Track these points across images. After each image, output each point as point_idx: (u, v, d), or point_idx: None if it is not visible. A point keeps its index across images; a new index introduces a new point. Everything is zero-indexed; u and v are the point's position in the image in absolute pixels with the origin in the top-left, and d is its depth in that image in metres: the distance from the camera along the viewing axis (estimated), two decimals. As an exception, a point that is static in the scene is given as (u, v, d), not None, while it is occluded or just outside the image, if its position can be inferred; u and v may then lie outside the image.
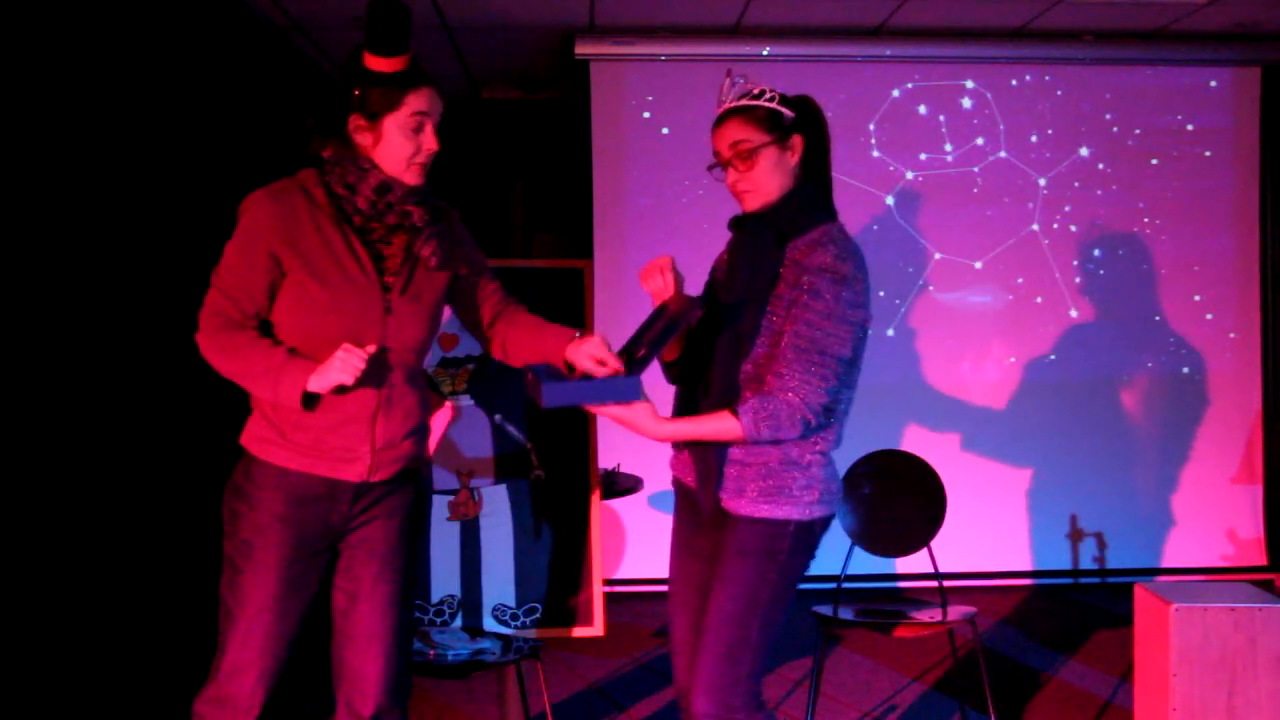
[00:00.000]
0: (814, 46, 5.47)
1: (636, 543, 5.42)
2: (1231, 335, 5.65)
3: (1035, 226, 5.62)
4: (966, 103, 5.61)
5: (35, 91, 3.08)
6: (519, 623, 3.21)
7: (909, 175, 5.58)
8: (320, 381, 2.14)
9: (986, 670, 3.50)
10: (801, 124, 2.34)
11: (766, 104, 2.31)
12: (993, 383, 5.62)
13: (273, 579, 2.21)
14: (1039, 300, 5.62)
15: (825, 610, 3.43)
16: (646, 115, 5.55)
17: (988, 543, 5.49)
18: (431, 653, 2.96)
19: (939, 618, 3.39)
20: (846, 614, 3.44)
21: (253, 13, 4.88)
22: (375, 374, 2.20)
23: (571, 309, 3.34)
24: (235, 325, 2.20)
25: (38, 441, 3.04)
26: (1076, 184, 5.62)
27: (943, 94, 5.60)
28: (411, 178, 2.22)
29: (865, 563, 3.98)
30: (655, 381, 2.40)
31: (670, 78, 5.54)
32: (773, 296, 2.27)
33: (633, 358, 2.24)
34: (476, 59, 5.91)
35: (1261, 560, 5.62)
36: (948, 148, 5.59)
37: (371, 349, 2.14)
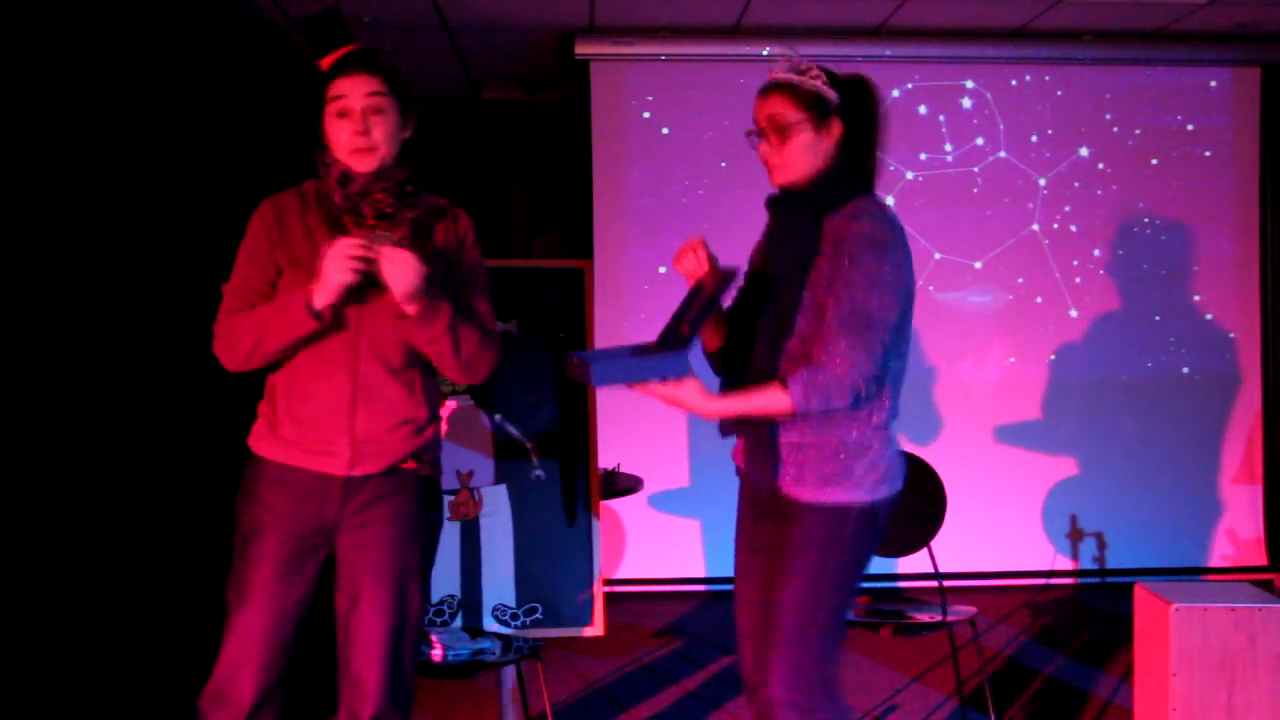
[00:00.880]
0: (814, 46, 5.44)
1: (636, 543, 5.42)
2: (1231, 335, 5.65)
3: (1035, 226, 5.62)
4: (966, 103, 5.61)
5: (36, 93, 3.08)
6: (519, 623, 3.21)
7: (909, 175, 5.58)
8: (323, 292, 2.14)
9: (986, 670, 3.50)
10: (846, 109, 2.30)
11: (811, 82, 2.28)
12: (993, 383, 5.62)
13: (267, 573, 2.24)
14: (1039, 300, 5.62)
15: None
16: (646, 115, 5.55)
17: (988, 543, 5.49)
18: (434, 652, 2.96)
19: (939, 618, 3.39)
20: (847, 614, 3.43)
21: (253, 13, 4.88)
22: (398, 270, 2.12)
23: (571, 309, 3.34)
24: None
25: (39, 443, 3.04)
26: (1076, 184, 5.62)
27: (943, 94, 5.60)
28: (359, 165, 2.22)
29: (865, 563, 3.98)
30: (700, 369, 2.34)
31: (670, 78, 5.54)
32: (812, 272, 2.23)
33: (676, 336, 2.21)
34: (476, 59, 5.91)
35: (1261, 560, 5.61)
36: (948, 148, 5.59)
37: (360, 239, 2.13)
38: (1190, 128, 5.65)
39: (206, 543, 3.07)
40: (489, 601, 3.22)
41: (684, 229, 5.45)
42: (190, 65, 4.07)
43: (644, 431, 5.13)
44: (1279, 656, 3.07)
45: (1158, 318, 5.64)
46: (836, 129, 2.29)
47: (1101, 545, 5.59)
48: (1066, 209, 5.62)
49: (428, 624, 3.17)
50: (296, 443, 2.26)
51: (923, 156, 5.58)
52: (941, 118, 5.59)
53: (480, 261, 2.40)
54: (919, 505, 3.61)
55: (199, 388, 3.64)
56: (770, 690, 2.24)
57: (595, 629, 3.25)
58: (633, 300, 5.49)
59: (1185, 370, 5.64)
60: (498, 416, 3.26)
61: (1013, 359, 5.64)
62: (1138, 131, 5.63)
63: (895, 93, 5.56)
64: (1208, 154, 5.66)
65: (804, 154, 2.28)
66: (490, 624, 3.20)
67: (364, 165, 2.22)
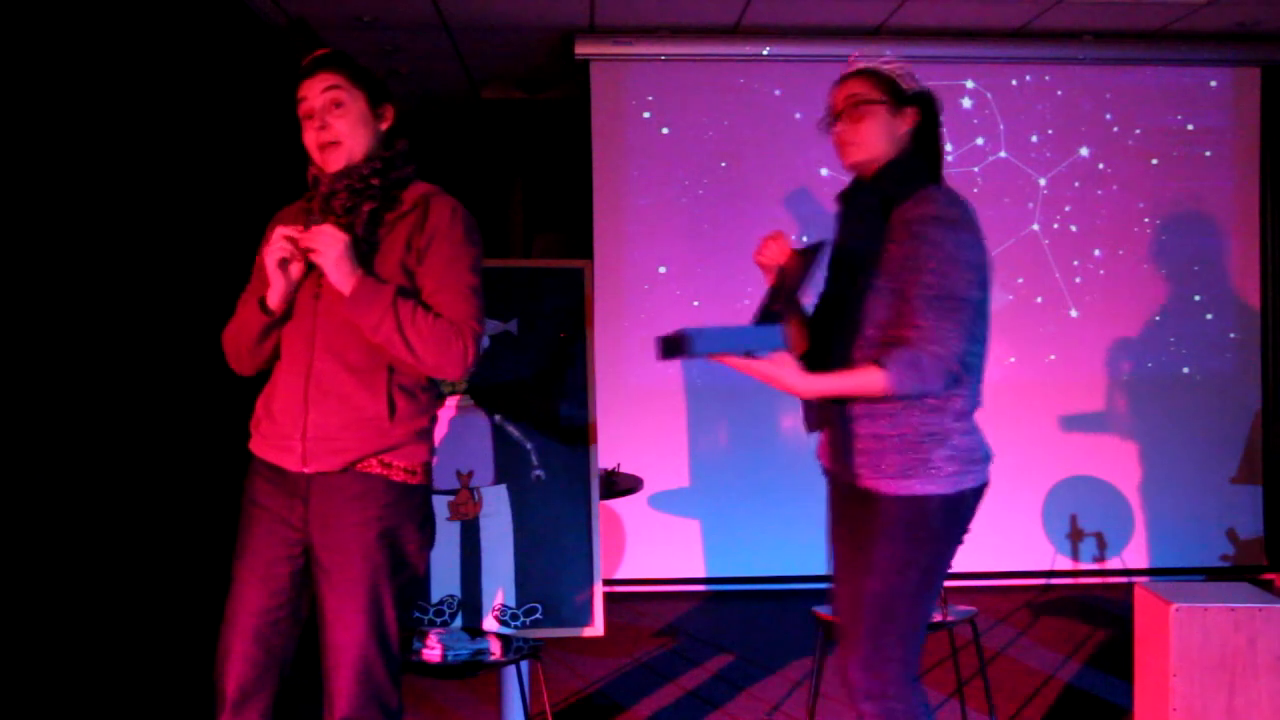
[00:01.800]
0: (814, 46, 5.47)
1: (636, 543, 5.42)
2: (1231, 335, 5.65)
3: (1035, 226, 5.62)
4: (966, 103, 5.61)
5: (36, 94, 3.08)
6: (519, 623, 3.21)
7: (909, 175, 5.57)
8: (274, 288, 2.21)
9: (986, 670, 3.50)
10: (920, 99, 2.38)
11: (889, 66, 2.36)
12: (993, 383, 5.60)
13: (246, 563, 2.26)
14: (1039, 300, 5.62)
15: (826, 610, 3.42)
16: (646, 115, 5.55)
17: (987, 543, 5.49)
18: (433, 652, 2.96)
19: (939, 618, 3.38)
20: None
21: (253, 14, 4.88)
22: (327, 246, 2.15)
23: (571, 309, 3.34)
24: None
25: (41, 444, 3.04)
26: (1076, 184, 5.62)
27: (943, 94, 5.58)
28: (328, 164, 2.26)
29: (865, 563, 3.98)
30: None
31: (670, 78, 5.54)
32: (885, 259, 2.25)
33: (770, 314, 2.21)
34: (476, 59, 5.91)
35: (1261, 560, 5.62)
36: (948, 148, 5.58)
37: (291, 232, 2.18)
38: (1190, 128, 5.65)
39: (207, 543, 3.07)
40: (489, 601, 3.22)
41: (684, 229, 5.46)
42: (190, 66, 4.07)
43: (644, 431, 5.17)
44: (1279, 656, 3.07)
45: (1158, 318, 5.64)
46: (911, 117, 2.37)
47: (1101, 545, 5.59)
48: (1066, 209, 5.62)
49: (428, 624, 3.17)
50: (266, 437, 2.29)
51: (923, 156, 5.58)
52: (941, 118, 5.58)
53: (459, 251, 2.28)
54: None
55: (201, 388, 3.65)
56: (850, 676, 2.29)
57: (595, 629, 3.25)
58: (633, 300, 5.48)
59: (1185, 370, 5.64)
60: (498, 416, 3.26)
61: (1013, 359, 5.64)
62: (1138, 131, 5.63)
63: (895, 93, 5.56)
64: (1208, 154, 5.66)
65: (878, 134, 2.34)
66: (490, 624, 3.20)
67: (332, 164, 2.26)
